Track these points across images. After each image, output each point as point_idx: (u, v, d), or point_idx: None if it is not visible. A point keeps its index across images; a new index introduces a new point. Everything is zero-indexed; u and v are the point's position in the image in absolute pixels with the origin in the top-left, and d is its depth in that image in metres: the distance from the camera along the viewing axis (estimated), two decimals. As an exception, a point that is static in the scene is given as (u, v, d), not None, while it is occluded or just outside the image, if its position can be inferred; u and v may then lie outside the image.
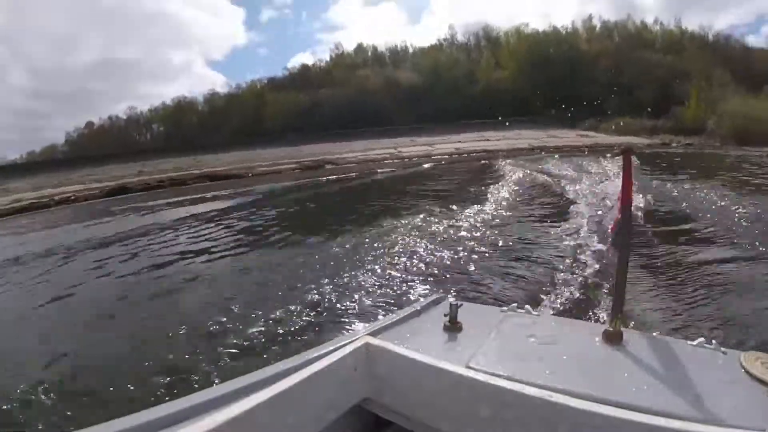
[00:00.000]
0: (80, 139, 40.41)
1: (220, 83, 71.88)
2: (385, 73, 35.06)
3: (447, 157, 14.95)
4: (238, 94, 41.34)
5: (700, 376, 0.84)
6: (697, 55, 27.24)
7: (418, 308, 1.26)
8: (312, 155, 17.85)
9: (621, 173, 1.08)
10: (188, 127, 38.98)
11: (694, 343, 0.97)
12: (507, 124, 21.69)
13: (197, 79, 58.44)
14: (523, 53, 33.31)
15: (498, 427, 0.74)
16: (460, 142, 18.54)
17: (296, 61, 72.14)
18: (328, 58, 41.16)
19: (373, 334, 1.02)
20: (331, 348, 0.92)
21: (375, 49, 40.38)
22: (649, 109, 22.70)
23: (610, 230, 3.98)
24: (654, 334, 1.18)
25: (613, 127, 19.98)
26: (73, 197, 14.77)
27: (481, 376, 0.78)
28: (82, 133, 40.86)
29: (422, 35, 63.10)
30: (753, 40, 38.47)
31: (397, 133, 23.71)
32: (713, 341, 0.97)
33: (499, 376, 0.82)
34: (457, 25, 54.72)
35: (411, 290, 3.42)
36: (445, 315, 1.09)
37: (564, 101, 26.11)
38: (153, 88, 67.53)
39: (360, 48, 41.10)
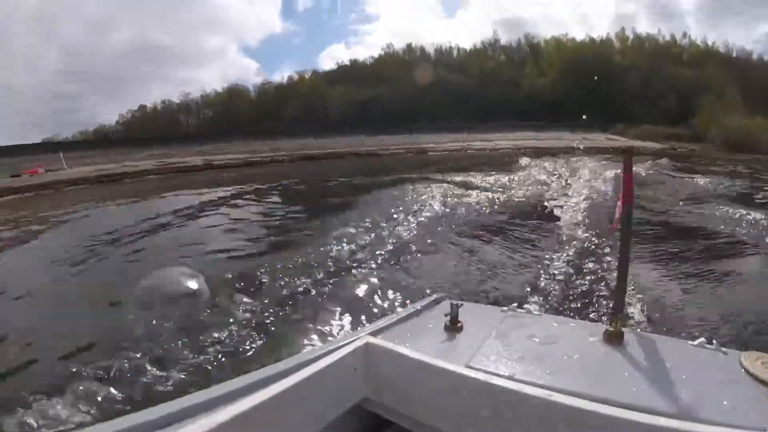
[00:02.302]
0: (133, 121, 43.23)
1: (253, 70, 72.75)
2: (438, 74, 39.52)
3: (509, 150, 19.88)
4: (293, 84, 44.82)
5: (700, 376, 0.86)
6: (717, 72, 31.12)
7: (419, 308, 1.29)
8: (396, 144, 22.91)
9: (621, 173, 1.08)
10: (239, 114, 41.77)
11: (694, 343, 0.98)
12: (550, 125, 26.62)
13: (231, 65, 57.65)
14: (562, 62, 37.49)
15: (498, 427, 0.74)
16: (514, 140, 23.48)
17: (330, 51, 73.79)
18: (375, 54, 45.23)
19: (373, 334, 1.04)
20: (331, 348, 0.93)
21: (423, 49, 44.95)
22: (668, 118, 27.20)
23: (610, 229, 3.98)
24: (654, 334, 1.23)
25: (631, 132, 24.73)
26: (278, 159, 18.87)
27: (481, 376, 0.78)
28: (135, 116, 43.77)
29: (457, 29, 63.36)
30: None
31: (450, 130, 28.01)
32: (713, 341, 0.98)
33: (499, 375, 0.83)
34: (493, 21, 58.68)
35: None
36: (446, 315, 1.12)
37: (597, 107, 31.04)
38: (187, 72, 67.10)
39: (410, 48, 46.07)
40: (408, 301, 2.77)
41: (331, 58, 76.82)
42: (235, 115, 41.43)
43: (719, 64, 32.45)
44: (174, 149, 23.63)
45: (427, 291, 2.93)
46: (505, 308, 1.24)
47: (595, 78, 33.37)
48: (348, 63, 45.83)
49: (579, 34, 42.29)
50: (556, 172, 11.66)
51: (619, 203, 1.06)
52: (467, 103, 36.05)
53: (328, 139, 25.62)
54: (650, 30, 38.68)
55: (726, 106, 26.25)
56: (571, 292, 3.26)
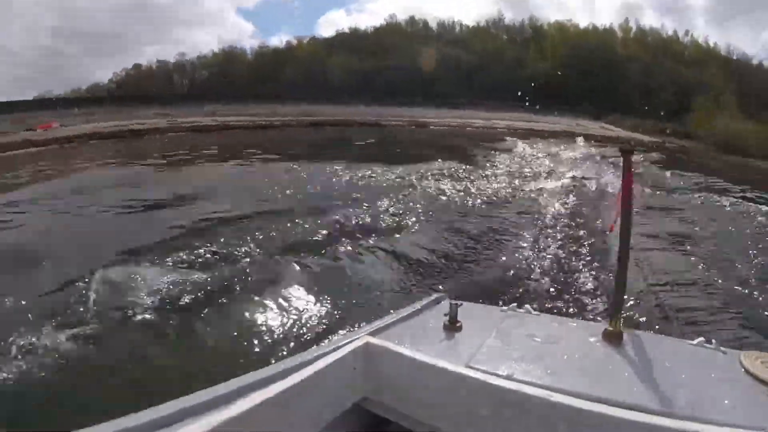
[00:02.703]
0: (127, 80, 42.38)
1: (249, 33, 72.11)
2: (440, 49, 39.10)
3: (505, 131, 20.23)
4: (292, 49, 44.13)
5: (700, 375, 0.87)
6: (715, 73, 31.53)
7: (419, 308, 1.30)
8: (394, 116, 22.98)
9: (621, 173, 1.05)
10: (235, 76, 41.06)
11: (694, 342, 0.99)
12: (546, 109, 26.89)
13: (227, 27, 57.38)
14: (565, 48, 37.46)
15: (497, 427, 0.74)
16: (512, 120, 23.77)
17: (329, 17, 74.73)
18: (376, 23, 44.90)
19: (373, 333, 1.03)
20: (331, 348, 0.93)
21: (426, 23, 44.45)
22: (662, 113, 27.67)
23: (609, 230, 5.40)
24: (654, 334, 1.29)
25: (626, 122, 25.25)
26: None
27: (481, 376, 0.79)
28: (129, 74, 42.88)
29: (461, 2, 64.94)
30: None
31: (452, 105, 28.31)
32: (713, 341, 0.99)
33: (499, 375, 0.83)
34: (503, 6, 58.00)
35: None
36: (445, 315, 1.13)
37: (595, 95, 31.31)
38: (182, 33, 65.01)
39: (412, 20, 45.27)
40: (407, 301, 2.73)
41: (330, 24, 77.56)
42: (231, 77, 40.93)
43: (719, 65, 32.84)
44: (172, 109, 23.28)
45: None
46: (505, 308, 1.24)
47: (596, 67, 33.60)
48: (348, 31, 45.14)
49: (582, 18, 42.17)
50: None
51: (618, 203, 1.06)
52: (469, 80, 35.90)
53: (329, 107, 25.50)
54: (655, 23, 38.91)
55: (721, 107, 26.87)
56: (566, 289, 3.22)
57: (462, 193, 7.05)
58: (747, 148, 20.73)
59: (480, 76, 36.01)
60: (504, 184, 8.21)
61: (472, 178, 8.46)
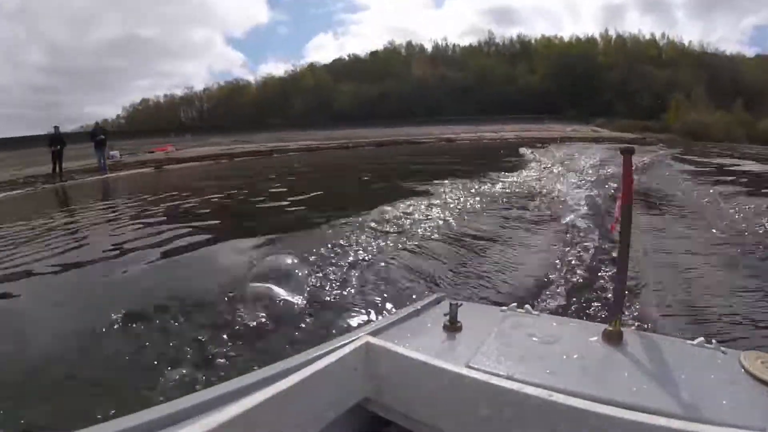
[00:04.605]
0: (135, 114, 45.50)
1: (239, 62, 73.71)
2: (440, 71, 43.40)
3: (514, 139, 23.89)
4: (295, 78, 47.76)
5: (700, 375, 0.86)
6: (687, 71, 35.76)
7: (419, 308, 1.29)
8: (414, 135, 26.79)
9: (621, 173, 1.05)
10: (241, 107, 44.51)
11: (694, 342, 0.98)
12: (539, 119, 31.06)
13: (217, 57, 58.60)
14: (551, 61, 41.80)
15: (498, 427, 0.74)
16: (513, 131, 27.63)
17: (317, 42, 75.76)
18: (364, 45, 50.14)
19: (373, 333, 1.03)
20: (331, 348, 0.94)
21: (422, 46, 48.76)
22: (643, 113, 32.03)
23: (610, 230, 3.96)
24: (654, 333, 1.25)
25: (611, 124, 29.58)
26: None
27: (481, 376, 0.79)
28: (137, 109, 46.14)
29: (446, 18, 67.15)
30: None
31: (457, 122, 31.62)
32: (713, 341, 0.98)
33: (499, 375, 0.83)
34: (482, 9, 62.81)
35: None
36: (445, 315, 1.12)
37: (582, 102, 35.58)
38: (172, 65, 66.96)
39: (409, 45, 49.76)
40: (407, 301, 2.70)
41: (318, 48, 79.33)
42: (237, 108, 44.31)
43: (691, 63, 37.12)
44: (241, 136, 26.60)
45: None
46: (505, 308, 1.22)
47: (581, 76, 37.92)
48: (347, 57, 49.43)
49: (565, 19, 46.79)
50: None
51: (619, 203, 1.05)
52: (466, 97, 39.97)
53: (364, 129, 28.79)
54: (637, 21, 43.07)
55: (691, 103, 31.73)
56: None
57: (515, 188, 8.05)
58: (709, 134, 26.01)
59: (475, 92, 40.14)
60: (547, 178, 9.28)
61: (518, 177, 9.60)
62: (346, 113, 39.89)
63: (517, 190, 7.58)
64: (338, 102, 43.28)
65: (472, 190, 7.39)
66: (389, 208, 5.56)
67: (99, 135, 14.08)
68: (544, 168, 10.98)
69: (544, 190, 7.42)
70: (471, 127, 29.27)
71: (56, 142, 12.94)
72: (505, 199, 6.74)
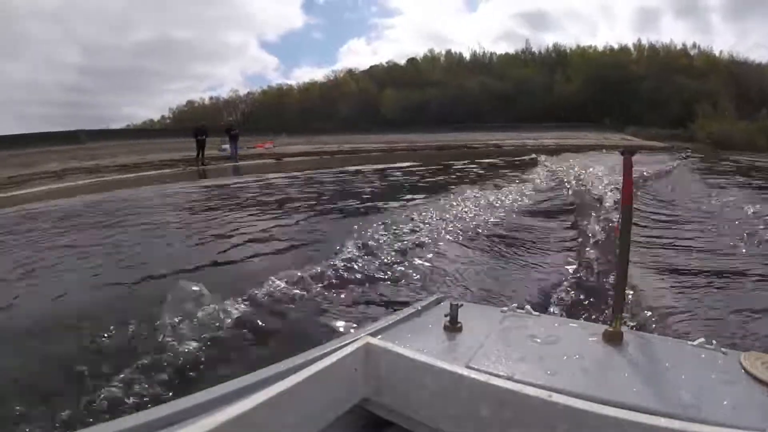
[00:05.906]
0: (180, 115, 48.72)
1: (272, 66, 76.64)
2: (480, 79, 46.49)
3: (554, 146, 26.37)
4: (339, 83, 51.16)
5: (700, 376, 0.87)
6: (716, 82, 38.19)
7: (419, 308, 1.30)
8: (462, 140, 30.30)
9: (622, 174, 1.09)
10: (285, 111, 47.13)
11: (694, 343, 0.99)
12: (575, 127, 34.42)
13: (250, 60, 61.69)
14: (586, 71, 44.46)
15: (498, 427, 0.75)
16: (554, 139, 30.96)
17: (350, 46, 76.25)
18: (397, 49, 52.12)
19: (373, 334, 1.04)
20: (331, 348, 0.94)
21: (461, 54, 52.07)
22: (672, 122, 34.96)
23: (614, 233, 3.29)
24: (654, 334, 1.26)
25: (642, 133, 32.75)
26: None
27: (481, 376, 0.79)
28: (182, 110, 49.76)
29: (480, 22, 67.62)
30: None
31: (498, 129, 34.59)
32: (713, 341, 0.99)
33: (499, 376, 0.83)
34: (515, 14, 64.97)
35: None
36: (446, 315, 1.13)
37: (615, 111, 38.48)
38: (207, 68, 70.05)
39: (449, 53, 53.07)
40: (407, 302, 2.61)
41: (351, 53, 79.84)
42: (282, 112, 47.10)
43: (720, 74, 39.36)
44: (315, 137, 29.05)
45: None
46: (505, 308, 1.23)
47: (614, 86, 40.64)
48: (385, 63, 52.79)
49: (600, 27, 49.10)
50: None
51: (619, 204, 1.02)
52: (506, 104, 43.06)
53: (416, 135, 31.28)
54: (673, 23, 45.92)
55: (719, 112, 34.60)
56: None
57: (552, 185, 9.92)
58: (734, 144, 28.87)
59: (515, 101, 43.17)
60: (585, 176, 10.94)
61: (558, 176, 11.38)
62: (388, 119, 41.93)
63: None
64: (384, 107, 46.44)
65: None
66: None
67: (234, 130, 18.49)
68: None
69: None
70: (513, 134, 32.71)
71: (201, 133, 16.21)
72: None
